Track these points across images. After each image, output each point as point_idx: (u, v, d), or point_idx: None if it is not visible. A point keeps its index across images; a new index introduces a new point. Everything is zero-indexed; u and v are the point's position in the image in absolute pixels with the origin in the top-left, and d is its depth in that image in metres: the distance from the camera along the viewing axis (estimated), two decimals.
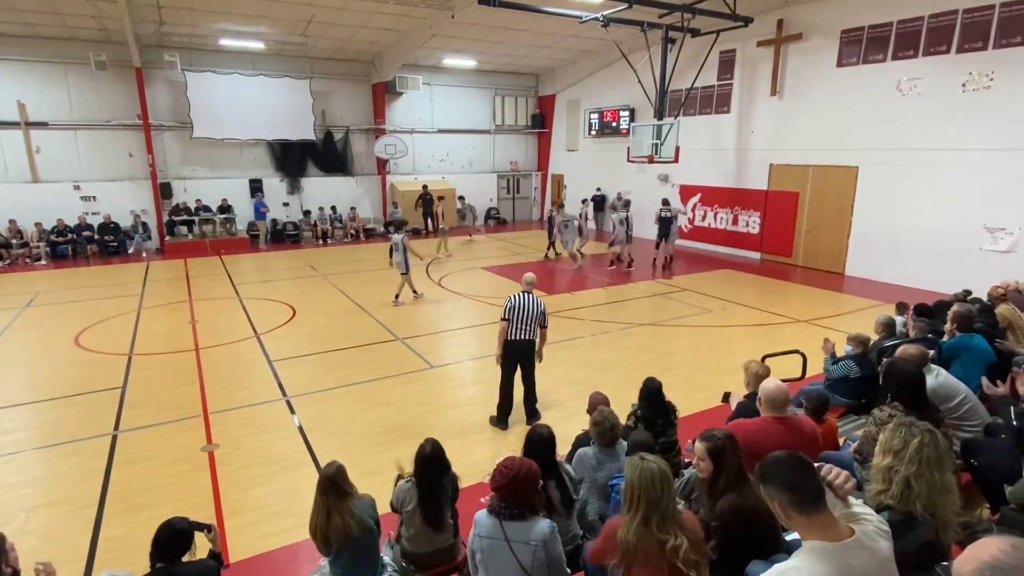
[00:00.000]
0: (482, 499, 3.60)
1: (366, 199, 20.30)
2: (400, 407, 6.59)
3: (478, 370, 7.88)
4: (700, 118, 16.20)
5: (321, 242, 18.46)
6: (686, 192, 17.11)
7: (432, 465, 3.35)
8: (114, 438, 5.90)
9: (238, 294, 11.83)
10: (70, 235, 15.78)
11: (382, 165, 20.24)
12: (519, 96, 22.78)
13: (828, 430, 4.39)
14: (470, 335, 9.32)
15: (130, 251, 16.33)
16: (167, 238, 16.89)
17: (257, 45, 16.69)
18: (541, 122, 22.87)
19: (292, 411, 6.50)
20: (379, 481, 3.57)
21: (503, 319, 5.94)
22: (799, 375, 6.41)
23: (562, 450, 4.10)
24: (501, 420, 6.12)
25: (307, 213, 18.88)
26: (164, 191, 16.98)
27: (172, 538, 2.77)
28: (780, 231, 14.58)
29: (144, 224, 16.71)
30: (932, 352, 4.70)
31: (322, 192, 19.22)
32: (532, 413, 6.20)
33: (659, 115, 14.72)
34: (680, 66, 14.46)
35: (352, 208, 19.57)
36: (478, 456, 5.35)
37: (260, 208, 17.82)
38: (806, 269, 13.88)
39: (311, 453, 5.56)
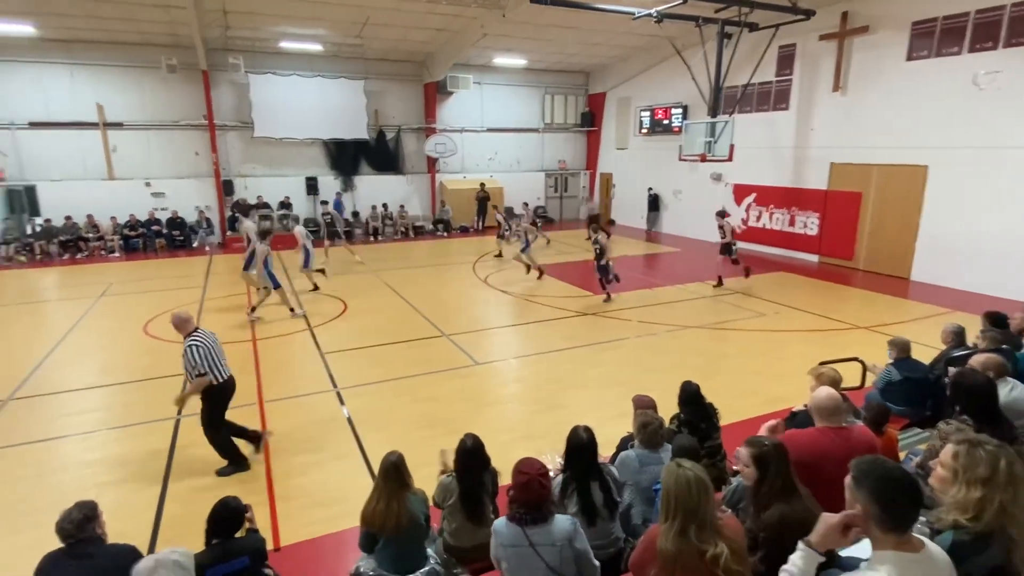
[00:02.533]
0: None
1: (415, 197, 20.64)
2: (445, 402, 6.68)
3: (521, 367, 7.91)
4: (756, 115, 15.69)
5: (372, 239, 18.91)
6: (740, 192, 16.62)
7: (473, 460, 3.39)
8: (177, 422, 6.22)
9: (293, 288, 12.25)
10: (141, 229, 16.75)
11: (432, 164, 20.54)
12: (568, 94, 22.66)
13: (888, 442, 4.18)
14: (514, 333, 9.36)
15: (195, 245, 17.17)
16: (228, 233, 17.67)
17: (315, 47, 17.22)
18: (590, 120, 22.68)
19: (342, 402, 6.69)
20: (424, 475, 3.63)
21: (202, 374, 4.92)
22: (858, 384, 6.13)
23: (605, 452, 4.07)
24: (238, 463, 5.26)
25: (356, 215, 19.36)
26: (226, 188, 17.79)
27: (227, 515, 2.95)
28: (840, 233, 13.96)
29: (208, 220, 17.54)
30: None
31: (374, 190, 19.69)
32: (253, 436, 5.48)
33: (713, 112, 14.36)
34: (736, 62, 14.05)
35: (401, 206, 19.96)
36: (520, 453, 5.33)
37: (338, 206, 18.44)
38: (868, 273, 13.24)
39: (359, 444, 5.71)
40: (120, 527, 3.79)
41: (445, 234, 19.81)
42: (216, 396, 5.14)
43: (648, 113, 19.53)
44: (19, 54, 15.13)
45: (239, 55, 16.50)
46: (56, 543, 2.81)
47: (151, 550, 4.14)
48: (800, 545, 2.14)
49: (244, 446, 5.46)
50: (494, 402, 6.80)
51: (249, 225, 10.78)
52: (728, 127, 13.73)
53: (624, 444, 4.08)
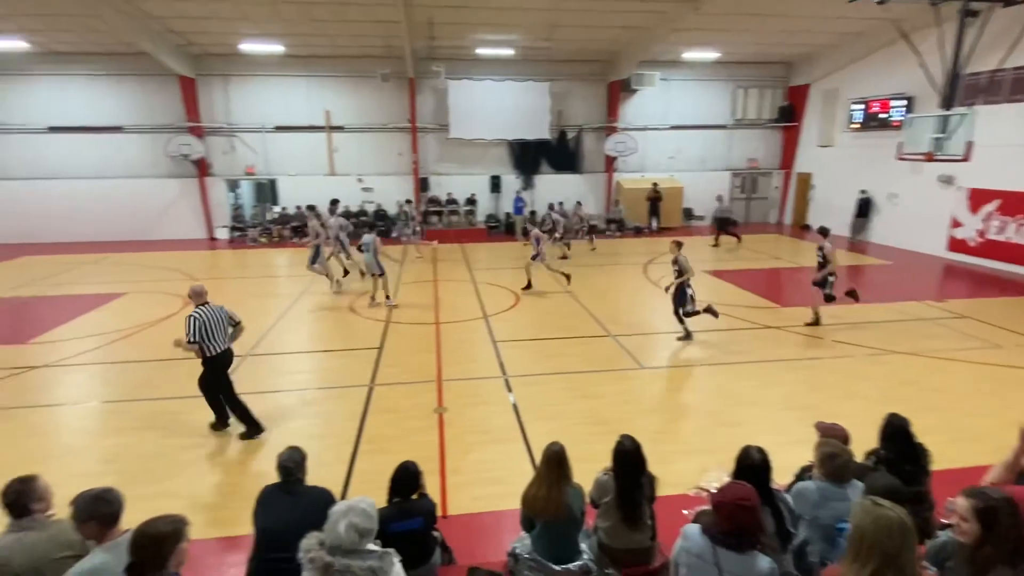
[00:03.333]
0: (684, 511, 3.47)
1: (591, 196, 20.74)
2: (608, 402, 6.66)
3: (691, 377, 7.57)
4: (1007, 107, 13.00)
5: (547, 236, 19.41)
6: (978, 197, 13.93)
7: (631, 462, 3.33)
8: (370, 389, 7.05)
9: (473, 278, 13.11)
10: (352, 219, 19.19)
11: (610, 163, 20.45)
12: (764, 88, 20.92)
13: None
14: (685, 342, 8.94)
15: (394, 235, 19.17)
16: (422, 225, 19.48)
17: (507, 52, 18.12)
18: (789, 115, 20.70)
19: (509, 389, 7.02)
20: (581, 470, 3.67)
21: (190, 342, 5.45)
22: None
23: (780, 479, 3.72)
24: (222, 422, 6.00)
25: (533, 213, 20.01)
26: (423, 185, 19.64)
27: (407, 478, 3.32)
28: None
29: (406, 213, 19.50)
30: None
31: (552, 189, 20.20)
32: (253, 423, 5.93)
33: (947, 104, 12.19)
34: (983, 44, 11.76)
35: (578, 204, 20.16)
36: (683, 466, 5.14)
37: (519, 203, 19.44)
38: None
39: (522, 431, 5.95)
40: (318, 474, 4.42)
41: (618, 234, 19.64)
42: (212, 364, 5.72)
43: (861, 106, 17.25)
44: (270, 69, 18.25)
45: (441, 63, 18.02)
46: (271, 479, 3.38)
47: (342, 498, 4.76)
48: None
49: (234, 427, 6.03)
50: (658, 409, 6.61)
51: (316, 224, 11.99)
52: (966, 121, 11.55)
53: (803, 474, 3.70)
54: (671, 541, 2.88)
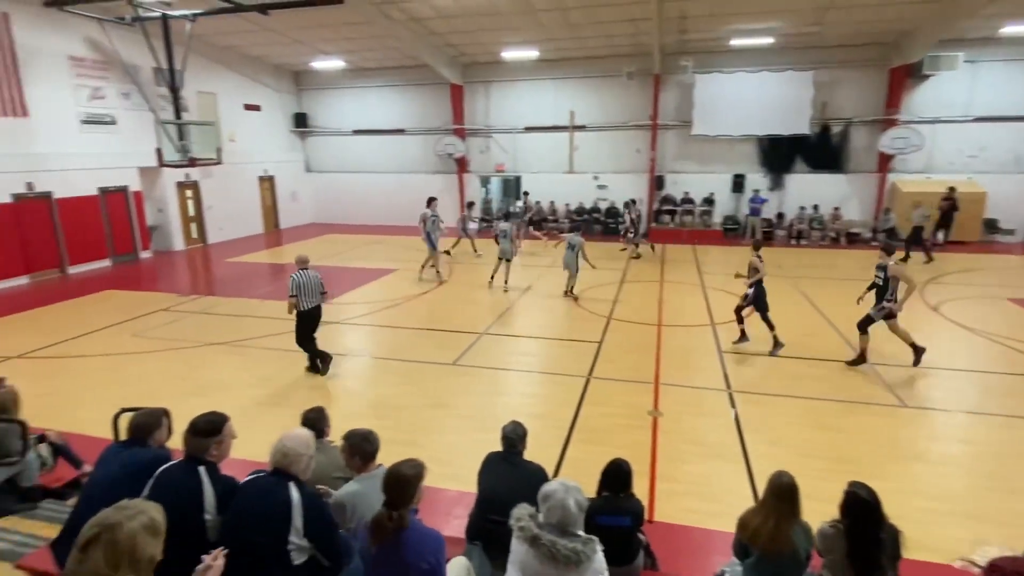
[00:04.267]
0: None
1: (855, 199, 18.04)
2: (851, 438, 5.81)
3: (973, 426, 6.18)
4: None
5: (794, 242, 17.52)
6: None
7: (866, 515, 2.87)
8: (587, 381, 7.27)
9: (702, 282, 12.51)
10: (585, 215, 19.81)
11: (885, 162, 17.50)
12: None
13: None
14: (972, 381, 7.31)
15: (622, 233, 19.30)
16: (653, 224, 19.20)
17: (766, 41, 16.67)
18: None
19: (733, 404, 6.58)
20: (810, 509, 3.27)
21: (292, 295, 7.04)
22: None
23: None
24: (320, 366, 7.49)
25: (780, 216, 18.21)
26: (657, 183, 19.30)
27: (619, 476, 3.38)
28: None
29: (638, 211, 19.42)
30: None
31: (805, 189, 18.11)
32: (323, 358, 7.52)
33: None
34: None
35: (836, 208, 17.77)
36: (945, 531, 4.26)
37: (756, 204, 17.89)
38: None
39: (744, 451, 5.54)
40: (534, 451, 4.73)
41: None
42: (301, 317, 7.24)
43: None
44: (523, 75, 19.72)
45: (689, 57, 17.41)
46: (491, 447, 3.72)
47: (555, 475, 5.03)
48: None
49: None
50: (919, 457, 5.54)
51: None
52: None
53: None
54: None
